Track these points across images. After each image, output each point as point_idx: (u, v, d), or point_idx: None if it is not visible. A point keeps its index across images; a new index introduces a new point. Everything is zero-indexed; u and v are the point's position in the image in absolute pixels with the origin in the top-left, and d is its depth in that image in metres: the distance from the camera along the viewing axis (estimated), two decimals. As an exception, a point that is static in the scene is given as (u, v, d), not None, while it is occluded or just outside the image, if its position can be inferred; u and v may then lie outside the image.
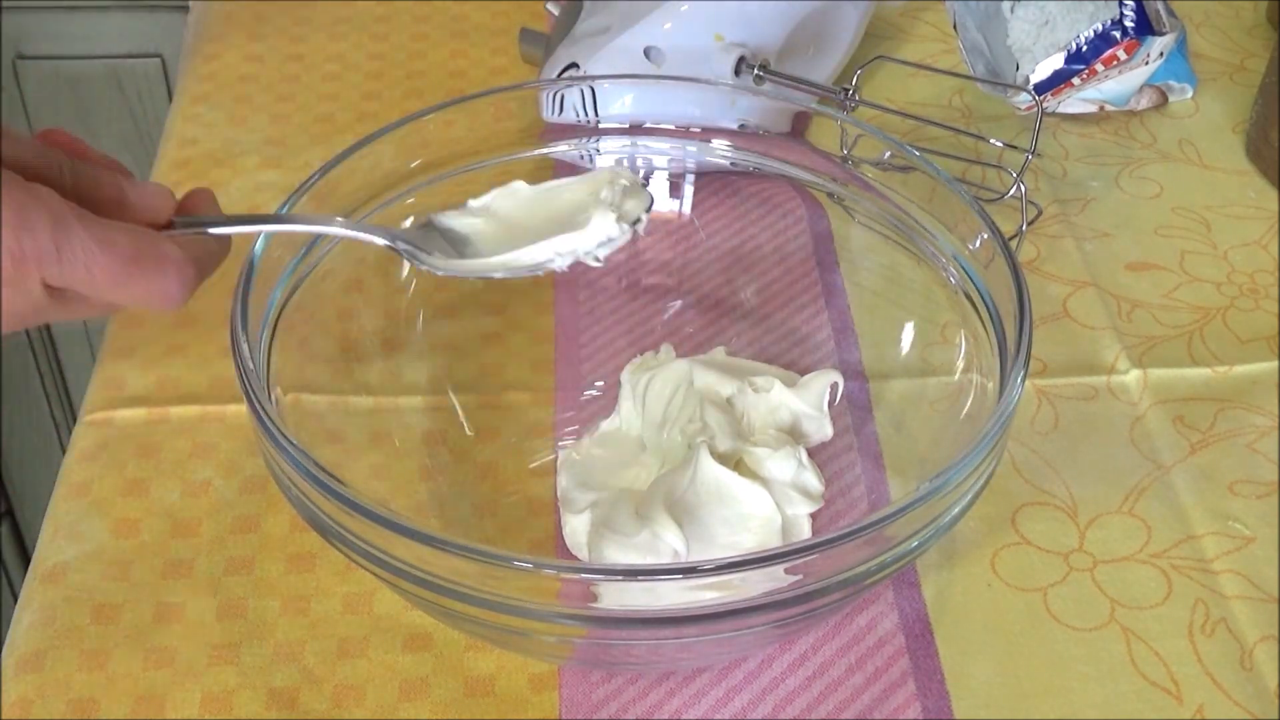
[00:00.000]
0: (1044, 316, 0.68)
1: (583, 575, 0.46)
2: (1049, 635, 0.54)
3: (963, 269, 0.56)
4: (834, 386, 0.60)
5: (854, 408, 0.62)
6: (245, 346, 0.49)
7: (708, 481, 0.54)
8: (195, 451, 0.61)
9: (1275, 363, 0.66)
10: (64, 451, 0.62)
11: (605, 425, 0.61)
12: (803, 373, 0.62)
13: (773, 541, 0.53)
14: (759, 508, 0.54)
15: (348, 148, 0.57)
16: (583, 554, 0.55)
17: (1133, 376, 0.65)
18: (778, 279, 0.68)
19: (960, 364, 0.57)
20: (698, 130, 0.64)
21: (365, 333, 0.60)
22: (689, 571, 0.45)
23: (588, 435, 0.61)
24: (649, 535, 0.52)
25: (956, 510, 0.47)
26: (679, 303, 0.67)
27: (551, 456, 0.61)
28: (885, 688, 0.52)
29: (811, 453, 0.58)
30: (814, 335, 0.66)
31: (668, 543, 0.52)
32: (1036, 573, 0.57)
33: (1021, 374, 0.49)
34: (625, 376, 0.62)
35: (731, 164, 0.65)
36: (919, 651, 0.54)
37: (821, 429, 0.60)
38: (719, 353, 0.64)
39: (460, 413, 0.62)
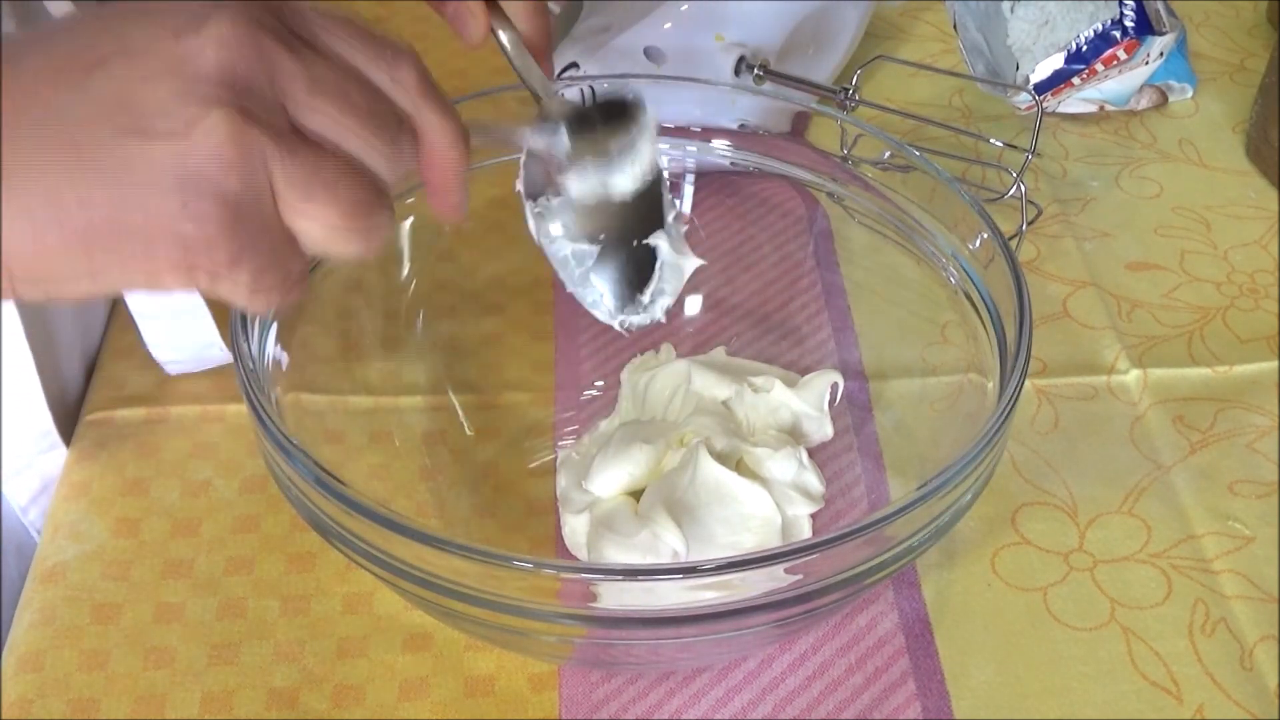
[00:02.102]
0: (1044, 316, 0.68)
1: (583, 575, 0.46)
2: (1049, 635, 0.54)
3: (963, 269, 0.56)
4: (834, 386, 0.60)
5: (854, 408, 0.62)
6: (245, 346, 0.49)
7: (708, 481, 0.54)
8: (195, 451, 0.61)
9: (1275, 363, 0.66)
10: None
11: (605, 425, 0.61)
12: (803, 373, 0.62)
13: (773, 541, 0.53)
14: (759, 508, 0.54)
15: (348, 148, 0.57)
16: (583, 554, 0.55)
17: (1133, 376, 0.65)
18: (778, 279, 0.68)
19: (960, 364, 0.57)
20: (698, 130, 0.64)
21: (365, 333, 0.60)
22: (689, 571, 0.45)
23: (588, 435, 0.61)
24: (649, 535, 0.52)
25: (956, 510, 0.47)
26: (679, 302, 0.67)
27: (551, 456, 0.61)
28: (885, 688, 0.52)
29: (811, 453, 0.58)
30: (814, 335, 0.66)
31: (668, 543, 0.52)
32: (1036, 573, 0.57)
33: (1021, 374, 0.49)
34: (625, 376, 0.62)
35: (731, 164, 0.65)
36: (919, 651, 0.54)
37: (821, 429, 0.60)
38: (719, 353, 0.64)
39: (460, 413, 0.62)
